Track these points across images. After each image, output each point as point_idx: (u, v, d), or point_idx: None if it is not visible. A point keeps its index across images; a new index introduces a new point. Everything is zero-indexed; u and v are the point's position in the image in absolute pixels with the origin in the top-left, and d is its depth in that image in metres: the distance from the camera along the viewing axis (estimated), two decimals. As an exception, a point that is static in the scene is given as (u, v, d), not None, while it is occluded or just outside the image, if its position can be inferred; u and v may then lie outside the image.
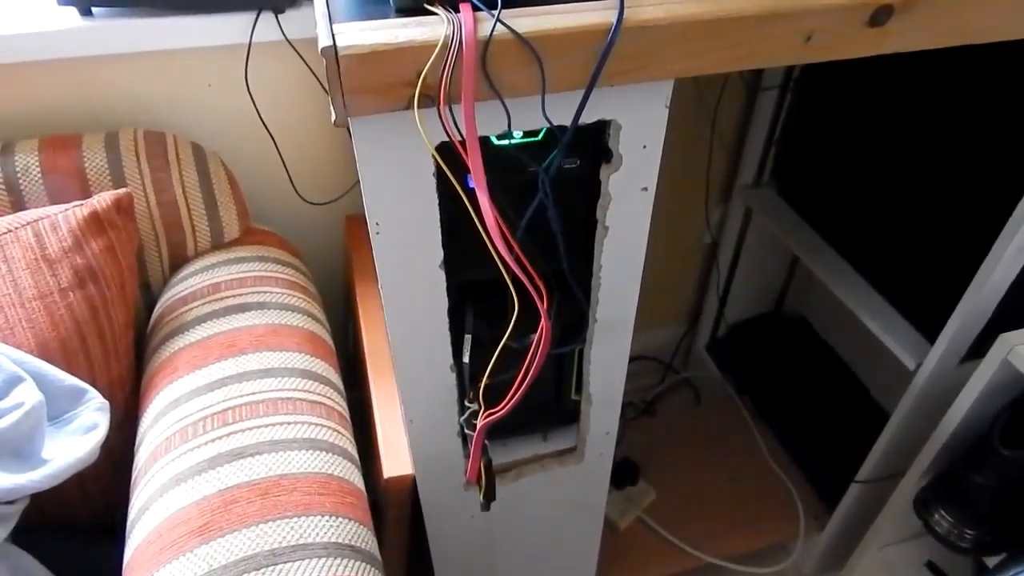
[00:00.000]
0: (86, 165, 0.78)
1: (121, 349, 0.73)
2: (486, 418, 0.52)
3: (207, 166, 0.83)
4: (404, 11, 0.41)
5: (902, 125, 0.92)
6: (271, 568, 0.54)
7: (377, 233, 0.48)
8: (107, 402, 0.67)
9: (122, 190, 0.74)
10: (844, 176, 1.04)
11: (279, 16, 0.80)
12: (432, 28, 0.40)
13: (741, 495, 1.22)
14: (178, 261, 0.83)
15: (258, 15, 0.79)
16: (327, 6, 0.42)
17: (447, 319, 0.55)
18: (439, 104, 0.39)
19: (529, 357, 0.48)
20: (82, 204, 0.72)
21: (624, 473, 1.19)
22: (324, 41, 0.38)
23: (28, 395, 0.61)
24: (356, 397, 0.89)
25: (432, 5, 0.41)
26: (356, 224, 1.02)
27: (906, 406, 0.92)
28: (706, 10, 0.43)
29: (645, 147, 0.50)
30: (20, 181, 0.76)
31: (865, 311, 0.98)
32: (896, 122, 0.93)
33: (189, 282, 0.80)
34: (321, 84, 0.88)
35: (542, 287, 0.44)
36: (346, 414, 0.72)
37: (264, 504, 0.59)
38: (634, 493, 1.18)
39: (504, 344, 0.54)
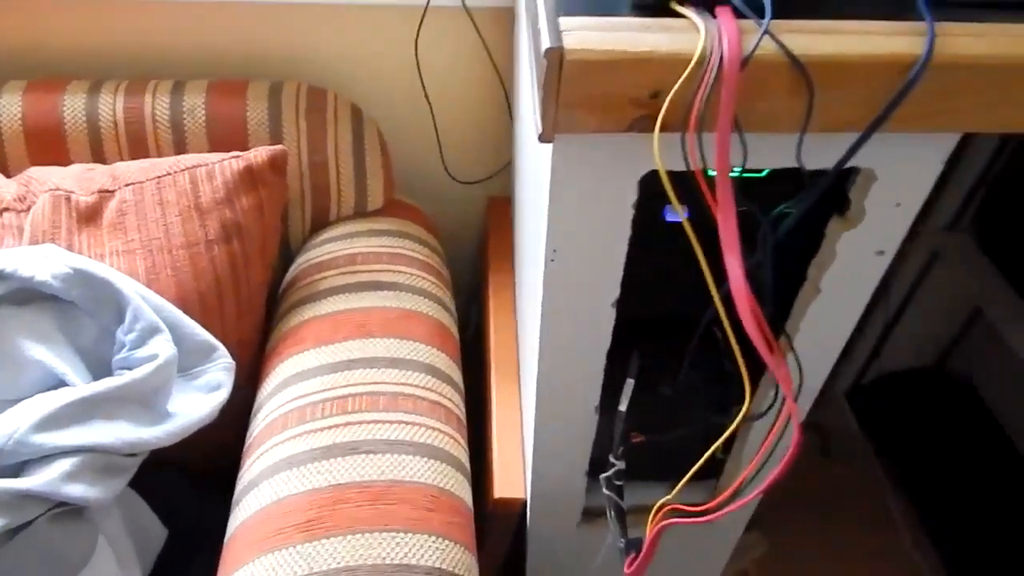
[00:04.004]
0: (248, 114, 0.76)
1: (254, 309, 0.72)
2: (669, 520, 0.45)
3: (363, 130, 0.80)
4: (644, 8, 0.33)
5: None
6: (372, 586, 0.51)
7: (552, 260, 0.41)
8: (233, 362, 0.66)
9: (278, 147, 0.72)
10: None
11: (460, -20, 0.74)
12: (682, 36, 0.32)
13: (862, 568, 1.09)
14: (319, 224, 0.81)
15: (439, -24, 0.74)
16: (550, -9, 0.34)
17: (604, 360, 0.48)
18: (686, 133, 0.31)
19: (760, 456, 0.40)
20: (239, 156, 0.70)
21: (734, 517, 1.09)
22: (548, 39, 0.31)
23: (163, 347, 0.60)
24: (469, 384, 0.85)
25: (681, 4, 0.33)
26: (497, 206, 0.96)
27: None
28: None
29: (899, 205, 0.40)
30: (185, 121, 0.76)
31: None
32: None
33: (327, 248, 0.77)
34: (491, 59, 0.82)
35: (787, 372, 0.35)
36: (463, 418, 0.68)
37: (373, 511, 0.55)
38: (744, 541, 1.08)
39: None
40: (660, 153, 0.32)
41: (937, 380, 1.27)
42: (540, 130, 0.33)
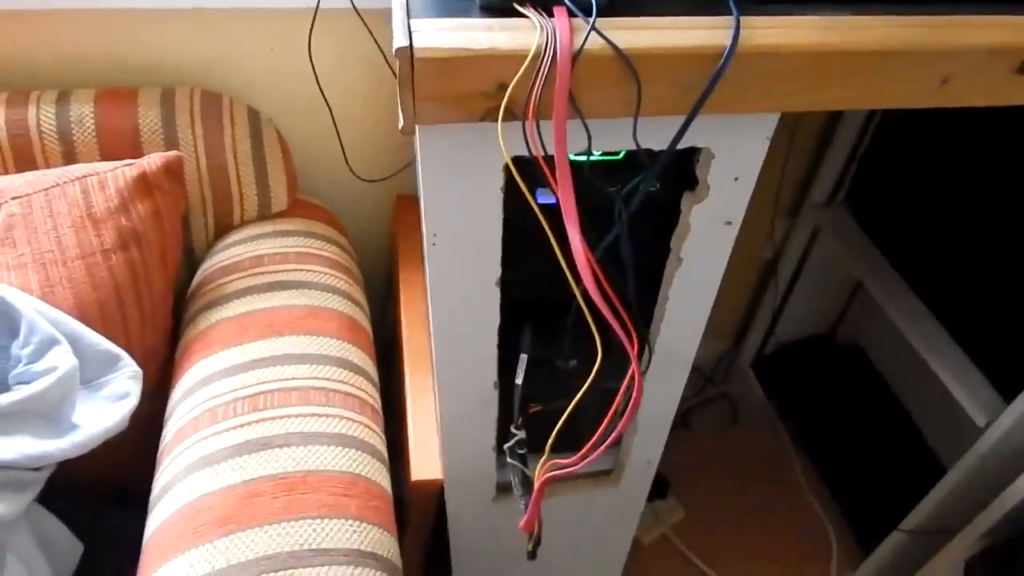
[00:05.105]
0: (140, 121, 0.76)
1: (159, 317, 0.72)
2: (550, 473, 0.48)
3: (261, 132, 0.80)
4: (490, 10, 0.37)
5: (1005, 164, 0.84)
6: (290, 571, 0.53)
7: (433, 244, 0.44)
8: (140, 370, 0.65)
9: (172, 152, 0.72)
10: (931, 207, 0.96)
11: (349, -18, 0.76)
12: (521, 34, 0.35)
13: (773, 525, 1.17)
14: (224, 228, 0.82)
15: (328, -21, 0.75)
16: (406, -2, 0.37)
17: (496, 337, 0.52)
18: (526, 121, 0.34)
19: (612, 412, 0.44)
20: (131, 164, 0.70)
21: (653, 487, 1.15)
22: (399, 40, 0.34)
23: (62, 359, 0.59)
24: (390, 377, 0.87)
25: (522, 5, 0.36)
26: (405, 204, 0.98)
27: (969, 463, 0.86)
28: (836, 41, 0.37)
29: (737, 179, 0.45)
30: (73, 131, 0.75)
31: (935, 356, 0.92)
32: (1001, 156, 0.85)
33: (232, 251, 0.78)
34: (386, 58, 0.84)
35: (634, 335, 0.39)
36: (378, 407, 0.70)
37: (288, 501, 0.57)
38: (661, 508, 1.14)
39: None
40: (508, 141, 0.35)
41: (829, 346, 1.37)
42: (402, 123, 0.36)
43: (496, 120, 0.35)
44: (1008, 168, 0.84)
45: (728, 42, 0.35)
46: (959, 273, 0.93)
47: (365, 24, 0.80)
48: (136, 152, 0.75)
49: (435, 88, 0.35)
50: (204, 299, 0.74)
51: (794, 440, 1.29)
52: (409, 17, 0.35)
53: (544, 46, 0.34)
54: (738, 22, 0.36)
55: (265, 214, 0.82)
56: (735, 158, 0.45)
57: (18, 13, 0.76)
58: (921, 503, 0.95)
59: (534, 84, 0.34)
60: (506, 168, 0.41)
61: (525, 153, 0.37)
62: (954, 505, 0.91)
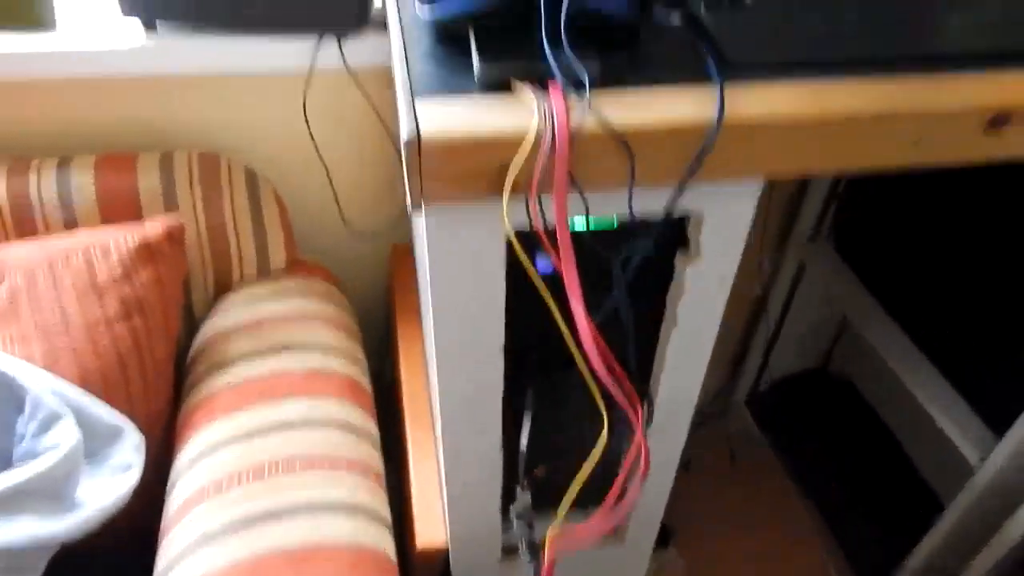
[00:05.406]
0: (140, 185, 0.77)
1: (161, 383, 0.72)
2: (560, 547, 0.49)
3: (258, 193, 0.81)
4: (488, 87, 0.39)
5: (987, 194, 0.87)
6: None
7: (438, 315, 0.45)
8: (143, 440, 0.65)
9: (173, 218, 0.73)
10: (913, 240, 0.99)
11: (341, 43, 0.78)
12: (521, 115, 0.37)
13: (774, 567, 1.16)
14: (223, 287, 0.82)
15: (319, 40, 0.77)
16: (408, 74, 0.39)
17: (501, 403, 0.53)
18: (529, 197, 0.36)
19: (622, 480, 0.45)
20: (134, 232, 0.71)
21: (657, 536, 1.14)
22: (407, 129, 0.35)
23: (66, 435, 0.59)
24: (390, 427, 0.86)
25: (521, 80, 0.38)
26: (401, 254, 1.00)
27: (966, 501, 0.86)
28: (813, 111, 0.39)
29: (728, 239, 0.47)
30: (74, 198, 0.75)
31: (923, 390, 0.93)
32: (980, 189, 0.88)
33: (232, 314, 0.78)
34: (378, 114, 0.86)
35: (639, 406, 0.40)
36: (381, 470, 0.69)
37: None
38: (664, 559, 1.13)
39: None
40: (512, 215, 0.37)
41: (823, 380, 1.39)
42: (410, 202, 0.37)
43: (499, 195, 0.37)
44: (986, 199, 0.87)
45: (715, 115, 0.37)
46: (944, 306, 0.95)
47: (357, 83, 0.83)
48: (137, 216, 0.76)
49: (441, 170, 0.36)
50: (205, 364, 0.74)
51: (793, 478, 1.29)
52: (414, 97, 0.37)
53: (543, 126, 0.35)
54: (722, 95, 0.38)
55: (263, 271, 0.83)
56: (725, 220, 0.46)
57: (17, 83, 0.77)
58: (921, 543, 0.95)
59: (536, 164, 0.36)
60: (509, 241, 0.43)
61: (526, 225, 0.39)
62: (954, 544, 0.91)
